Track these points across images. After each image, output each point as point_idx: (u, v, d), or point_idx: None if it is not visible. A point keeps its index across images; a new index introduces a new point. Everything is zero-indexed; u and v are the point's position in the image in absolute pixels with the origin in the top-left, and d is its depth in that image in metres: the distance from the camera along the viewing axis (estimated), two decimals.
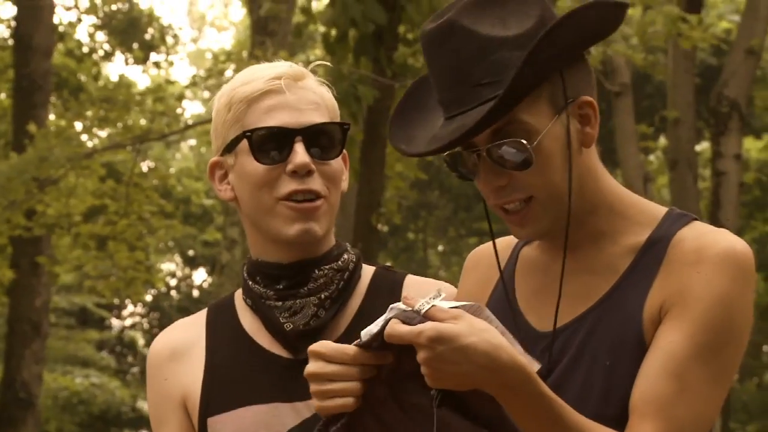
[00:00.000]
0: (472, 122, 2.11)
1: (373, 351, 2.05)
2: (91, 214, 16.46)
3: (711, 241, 2.16)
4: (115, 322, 31.29)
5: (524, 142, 2.13)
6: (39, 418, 16.71)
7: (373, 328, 2.04)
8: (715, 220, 13.01)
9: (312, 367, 2.09)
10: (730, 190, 13.26)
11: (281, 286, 2.54)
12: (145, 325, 31.40)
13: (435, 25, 2.18)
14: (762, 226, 21.53)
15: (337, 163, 2.54)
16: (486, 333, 1.99)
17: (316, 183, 2.50)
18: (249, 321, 2.60)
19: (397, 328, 2.00)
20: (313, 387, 2.09)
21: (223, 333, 2.62)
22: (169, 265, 32.42)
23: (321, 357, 2.09)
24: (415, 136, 2.25)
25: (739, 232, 16.10)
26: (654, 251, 2.20)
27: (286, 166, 2.49)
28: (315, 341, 2.15)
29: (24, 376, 16.07)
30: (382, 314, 2.05)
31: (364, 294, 2.58)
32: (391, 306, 2.04)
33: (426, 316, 2.00)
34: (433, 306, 2.01)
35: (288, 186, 2.49)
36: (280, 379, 2.52)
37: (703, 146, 20.68)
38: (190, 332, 2.65)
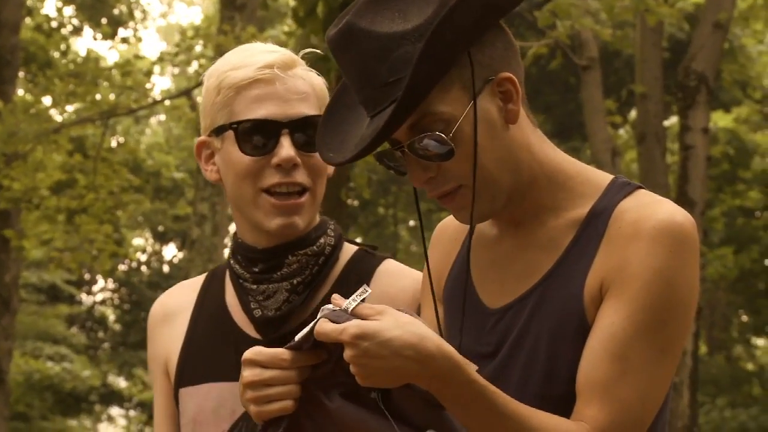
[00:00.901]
0: (383, 123, 2.06)
1: (306, 352, 2.05)
2: (59, 189, 16.40)
3: (649, 213, 2.09)
4: (85, 298, 31.18)
5: (441, 134, 2.08)
6: (8, 393, 16.67)
7: (306, 330, 2.04)
8: (683, 194, 13.07)
9: (249, 375, 2.06)
10: (698, 164, 13.30)
11: (257, 270, 2.55)
12: (116, 301, 31.29)
13: (336, 30, 2.12)
14: (730, 200, 21.60)
15: None
16: (410, 325, 1.97)
17: (300, 175, 2.50)
18: (231, 296, 2.62)
19: (324, 326, 1.99)
20: (250, 394, 2.06)
21: (209, 303, 2.65)
22: (139, 240, 32.32)
23: (257, 364, 2.06)
24: (346, 138, 2.20)
25: (707, 206, 16.20)
26: (596, 224, 2.15)
27: (271, 158, 2.49)
28: (282, 327, 2.14)
29: None
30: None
31: (335, 281, 2.57)
32: (322, 308, 2.04)
33: (353, 314, 2.00)
34: (359, 303, 2.01)
35: (272, 178, 2.49)
36: None
37: (672, 120, 20.74)
38: (184, 297, 2.69)
